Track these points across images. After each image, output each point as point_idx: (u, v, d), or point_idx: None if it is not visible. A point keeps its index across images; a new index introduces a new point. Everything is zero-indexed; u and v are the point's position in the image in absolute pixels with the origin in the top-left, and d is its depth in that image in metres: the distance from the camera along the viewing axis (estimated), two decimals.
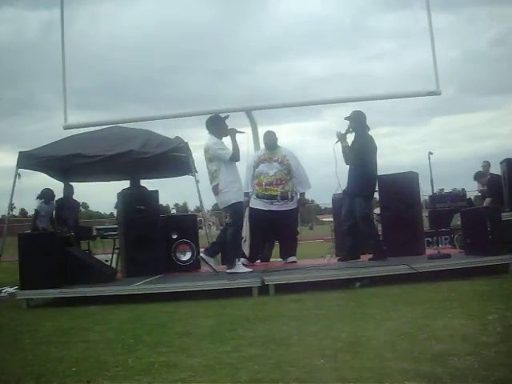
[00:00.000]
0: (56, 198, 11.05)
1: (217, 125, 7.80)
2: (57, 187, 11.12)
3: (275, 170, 8.57)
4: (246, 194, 8.58)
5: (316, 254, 10.61)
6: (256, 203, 8.67)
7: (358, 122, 7.90)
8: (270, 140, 8.85)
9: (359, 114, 7.95)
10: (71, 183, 11.18)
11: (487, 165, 13.16)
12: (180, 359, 3.66)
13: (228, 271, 7.54)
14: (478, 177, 12.56)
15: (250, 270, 7.62)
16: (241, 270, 7.49)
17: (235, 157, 7.65)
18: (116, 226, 8.95)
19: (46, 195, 10.73)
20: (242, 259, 8.63)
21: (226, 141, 7.73)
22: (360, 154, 7.76)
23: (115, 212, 10.38)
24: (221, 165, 7.61)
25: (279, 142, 8.90)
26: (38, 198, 10.65)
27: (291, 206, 8.70)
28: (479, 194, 12.89)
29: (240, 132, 7.88)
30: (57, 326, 5.44)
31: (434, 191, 8.49)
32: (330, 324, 4.49)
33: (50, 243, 7.34)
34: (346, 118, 7.93)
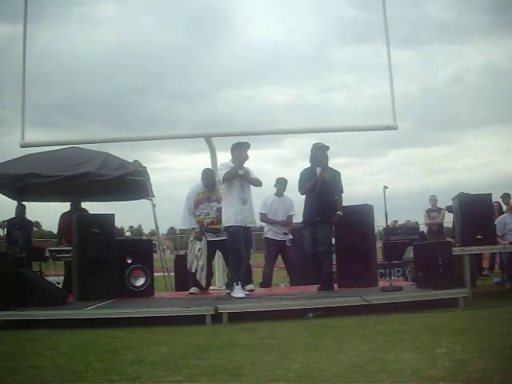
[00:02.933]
0: (8, 218, 10.86)
1: (235, 151, 7.93)
2: (10, 206, 10.93)
3: (215, 210, 8.62)
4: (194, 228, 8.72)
5: (271, 282, 10.60)
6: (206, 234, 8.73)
7: (325, 155, 8.21)
8: (209, 180, 8.76)
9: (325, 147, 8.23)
10: (25, 202, 10.99)
11: (435, 198, 13.49)
12: None
13: (227, 291, 7.81)
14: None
15: (243, 295, 7.58)
16: (236, 295, 7.53)
17: (225, 176, 7.77)
18: (69, 248, 8.80)
19: None
20: (193, 288, 8.65)
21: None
22: (339, 182, 8.18)
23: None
24: (225, 186, 7.92)
25: None
26: None
27: None
28: (426, 227, 13.19)
29: (245, 178, 7.93)
30: (4, 350, 5.30)
31: (388, 223, 8.61)
32: (283, 354, 4.51)
33: (1, 264, 7.17)
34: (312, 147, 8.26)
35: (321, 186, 7.99)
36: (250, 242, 8.22)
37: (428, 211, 13.30)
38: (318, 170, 8.12)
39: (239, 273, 7.79)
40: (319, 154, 8.18)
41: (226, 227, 7.83)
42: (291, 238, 9.62)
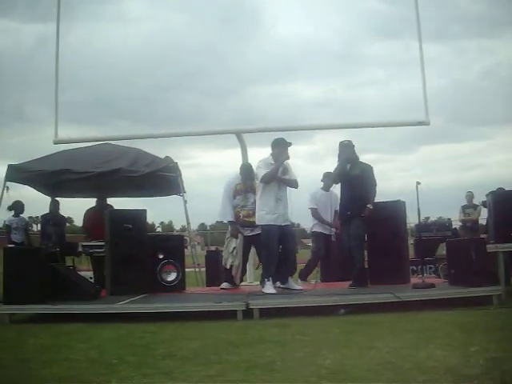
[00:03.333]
0: (42, 213, 11.02)
1: (276, 149, 7.90)
2: (44, 202, 11.09)
3: (251, 201, 8.54)
4: (232, 223, 8.66)
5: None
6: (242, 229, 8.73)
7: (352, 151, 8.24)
8: (247, 176, 8.68)
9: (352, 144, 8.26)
10: (58, 198, 11.13)
11: (471, 195, 13.30)
12: (164, 381, 3.64)
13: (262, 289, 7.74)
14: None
15: (274, 291, 7.58)
16: (267, 291, 7.54)
17: (264, 178, 7.77)
18: (102, 243, 8.90)
19: (16, 208, 10.68)
20: (224, 283, 8.68)
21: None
22: (371, 176, 8.18)
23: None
24: (261, 184, 7.87)
25: None
26: (8, 209, 10.58)
27: None
28: (460, 223, 13.00)
29: (283, 180, 7.92)
30: (39, 342, 5.39)
31: (420, 220, 8.53)
32: (315, 350, 4.50)
33: (35, 258, 7.29)
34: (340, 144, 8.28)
35: (350, 181, 8.00)
36: (291, 240, 8.12)
37: (463, 207, 13.14)
38: (348, 166, 8.14)
39: (271, 269, 7.78)
40: (346, 151, 8.16)
41: (260, 225, 7.87)
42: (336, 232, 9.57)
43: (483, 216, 13.39)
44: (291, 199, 8.06)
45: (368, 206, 7.91)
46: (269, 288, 7.60)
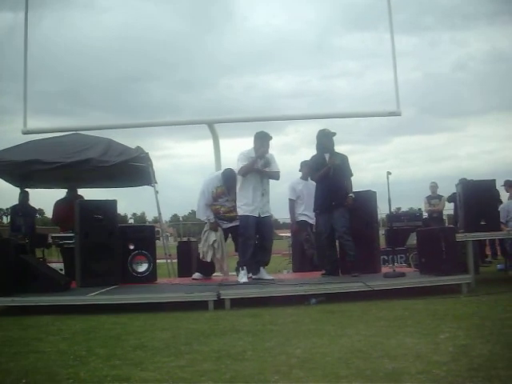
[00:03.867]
0: (11, 204, 10.86)
1: (257, 141, 7.99)
2: (13, 193, 10.92)
3: (232, 202, 8.55)
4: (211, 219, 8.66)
5: (273, 269, 10.62)
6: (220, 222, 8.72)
7: (331, 141, 8.15)
8: (230, 182, 8.49)
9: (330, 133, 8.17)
10: (28, 189, 10.98)
11: (434, 185, 13.42)
12: (133, 373, 3.61)
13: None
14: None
15: (246, 280, 7.71)
16: (240, 280, 7.74)
17: (240, 171, 7.90)
18: (72, 234, 8.79)
19: None
20: (196, 274, 8.67)
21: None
22: (349, 166, 8.14)
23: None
24: (239, 177, 8.00)
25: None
26: None
27: None
28: (425, 215, 13.10)
29: (263, 172, 7.98)
30: (7, 335, 5.31)
31: (392, 210, 8.58)
32: (285, 340, 4.51)
33: (4, 250, 7.18)
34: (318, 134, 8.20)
35: (333, 172, 7.92)
36: (268, 230, 8.20)
37: (428, 198, 13.25)
38: (327, 156, 8.05)
39: (245, 258, 7.86)
40: (326, 140, 8.12)
41: (239, 216, 8.00)
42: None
43: (448, 207, 13.60)
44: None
45: (350, 195, 7.91)
46: (242, 277, 7.72)
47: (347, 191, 7.96)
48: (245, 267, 7.84)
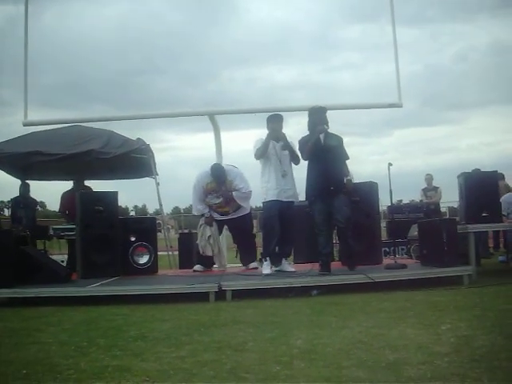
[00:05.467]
0: (12, 196, 10.87)
1: (268, 125, 7.78)
2: (14, 185, 10.93)
3: (222, 199, 8.61)
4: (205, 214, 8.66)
5: None
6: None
7: (326, 118, 7.56)
8: (218, 176, 8.52)
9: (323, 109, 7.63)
10: (29, 181, 10.98)
11: (430, 177, 13.40)
12: (134, 363, 3.61)
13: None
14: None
15: (269, 272, 7.54)
16: (263, 271, 7.58)
17: (255, 155, 7.75)
18: (73, 226, 8.79)
19: None
20: (197, 266, 8.68)
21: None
22: (345, 150, 7.57)
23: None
24: (261, 161, 7.82)
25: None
26: None
27: (244, 211, 8.77)
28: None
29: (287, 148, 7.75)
30: (8, 326, 5.32)
31: (393, 202, 8.56)
32: (286, 331, 4.50)
33: (5, 241, 7.17)
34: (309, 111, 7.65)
35: (326, 153, 7.26)
36: (291, 219, 7.80)
37: (424, 190, 13.23)
38: (321, 136, 7.39)
39: (268, 249, 7.70)
40: (317, 117, 7.48)
41: (262, 202, 7.84)
42: None
43: (445, 199, 13.56)
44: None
45: (348, 178, 7.37)
46: (265, 268, 7.60)
47: (344, 175, 7.42)
48: (268, 258, 7.67)
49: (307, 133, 7.55)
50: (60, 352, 4.06)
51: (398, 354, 3.53)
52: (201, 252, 8.67)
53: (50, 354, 4.02)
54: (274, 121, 7.75)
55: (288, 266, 7.90)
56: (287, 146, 7.69)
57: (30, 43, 10.22)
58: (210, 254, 8.59)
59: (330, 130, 7.51)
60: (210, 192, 8.60)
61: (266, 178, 7.71)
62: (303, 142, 7.50)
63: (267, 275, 7.39)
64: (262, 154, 7.68)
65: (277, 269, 7.81)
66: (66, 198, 10.42)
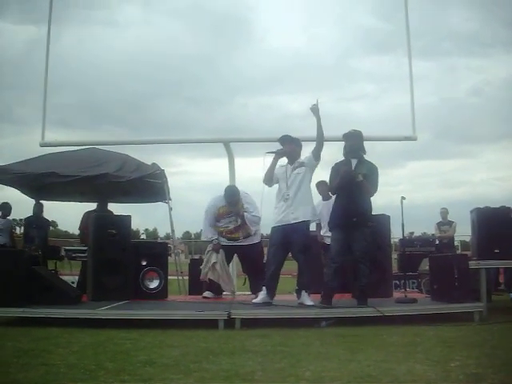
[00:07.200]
0: (25, 216, 10.96)
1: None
2: (27, 204, 11.04)
3: (233, 224, 8.66)
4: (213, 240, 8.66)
5: (284, 290, 10.57)
6: (221, 240, 8.74)
7: (361, 144, 7.33)
8: (232, 198, 8.59)
9: (360, 134, 7.39)
10: (42, 201, 11.08)
11: (445, 211, 13.36)
12: None
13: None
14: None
15: (312, 303, 7.19)
16: (254, 300, 7.53)
17: (263, 179, 7.57)
18: (85, 248, 8.85)
19: (4, 209, 10.65)
20: (207, 292, 8.67)
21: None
22: (376, 180, 7.18)
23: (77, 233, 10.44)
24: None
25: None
26: None
27: (254, 240, 8.81)
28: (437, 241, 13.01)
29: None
30: (17, 346, 5.32)
31: (404, 235, 8.55)
32: (295, 362, 4.48)
33: (17, 261, 7.22)
34: (344, 136, 7.43)
35: (357, 182, 6.96)
36: (295, 240, 7.36)
37: (439, 224, 13.20)
38: (354, 162, 7.17)
39: (266, 278, 7.55)
40: (353, 143, 7.27)
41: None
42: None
43: (459, 233, 13.49)
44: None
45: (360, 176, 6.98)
46: (258, 297, 7.53)
47: (371, 208, 7.16)
48: (264, 287, 7.49)
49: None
50: (69, 374, 4.06)
51: None
52: (201, 278, 8.69)
53: (59, 376, 4.03)
54: (284, 142, 7.64)
55: (307, 298, 7.31)
56: (300, 166, 7.51)
57: (49, 65, 10.41)
58: (212, 279, 8.58)
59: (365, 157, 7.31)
60: (223, 216, 8.64)
61: (275, 204, 7.61)
62: (336, 170, 7.29)
63: (256, 304, 7.31)
64: (267, 177, 7.52)
65: (299, 301, 7.42)
66: (87, 217, 10.47)
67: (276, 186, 7.63)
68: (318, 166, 7.64)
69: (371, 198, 7.19)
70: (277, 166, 7.60)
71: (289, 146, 7.59)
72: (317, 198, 9.44)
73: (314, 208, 7.70)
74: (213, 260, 8.56)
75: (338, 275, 7.19)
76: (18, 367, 4.34)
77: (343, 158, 7.37)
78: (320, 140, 7.50)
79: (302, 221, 7.38)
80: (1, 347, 5.28)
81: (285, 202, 7.39)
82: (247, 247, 8.70)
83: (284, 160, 7.65)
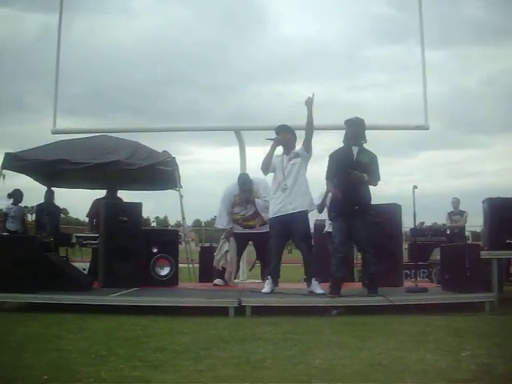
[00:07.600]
0: (37, 203, 11.01)
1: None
2: (39, 192, 11.08)
3: (251, 212, 8.70)
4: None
5: (294, 278, 10.59)
6: (235, 228, 8.80)
7: (363, 132, 7.22)
8: (245, 186, 8.64)
9: (363, 122, 7.26)
10: (54, 188, 11.12)
11: (456, 201, 13.29)
12: (153, 375, 3.62)
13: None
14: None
15: (323, 291, 7.15)
16: (263, 290, 7.43)
17: (260, 168, 7.59)
18: (96, 235, 8.88)
19: (16, 196, 10.70)
20: (217, 279, 8.69)
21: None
22: (378, 169, 7.20)
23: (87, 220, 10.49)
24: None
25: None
26: (8, 196, 10.63)
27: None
28: (447, 231, 12.96)
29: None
30: (30, 331, 5.37)
31: (416, 224, 8.52)
32: (305, 349, 4.49)
33: (29, 247, 7.27)
34: (346, 122, 7.28)
35: (357, 169, 6.94)
36: (296, 230, 7.38)
37: (450, 214, 13.15)
38: (355, 149, 7.11)
39: (269, 267, 7.64)
40: (355, 129, 7.16)
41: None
42: None
43: (470, 223, 13.42)
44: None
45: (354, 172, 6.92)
46: (265, 287, 7.50)
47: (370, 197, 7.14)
48: (269, 276, 7.52)
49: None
50: (80, 359, 4.10)
51: (418, 379, 3.51)
52: (214, 264, 8.73)
53: (71, 361, 4.06)
54: (280, 132, 7.60)
55: (317, 287, 7.30)
56: (296, 156, 7.49)
57: (61, 53, 10.42)
58: (224, 267, 8.62)
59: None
60: (238, 204, 8.67)
61: (272, 194, 7.62)
62: (334, 158, 7.25)
63: (266, 293, 7.30)
64: (264, 165, 7.48)
65: (309, 290, 7.43)
66: (97, 205, 10.50)
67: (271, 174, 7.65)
68: (327, 153, 7.55)
69: (375, 187, 7.22)
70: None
71: (285, 136, 7.57)
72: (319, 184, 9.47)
73: (312, 198, 7.68)
74: (225, 248, 8.60)
75: (343, 265, 7.19)
76: (30, 352, 4.38)
77: (342, 146, 7.30)
78: (309, 132, 7.51)
79: (301, 210, 7.40)
80: (13, 332, 5.31)
81: (282, 193, 7.38)
82: (263, 235, 8.68)
83: (279, 150, 7.65)
